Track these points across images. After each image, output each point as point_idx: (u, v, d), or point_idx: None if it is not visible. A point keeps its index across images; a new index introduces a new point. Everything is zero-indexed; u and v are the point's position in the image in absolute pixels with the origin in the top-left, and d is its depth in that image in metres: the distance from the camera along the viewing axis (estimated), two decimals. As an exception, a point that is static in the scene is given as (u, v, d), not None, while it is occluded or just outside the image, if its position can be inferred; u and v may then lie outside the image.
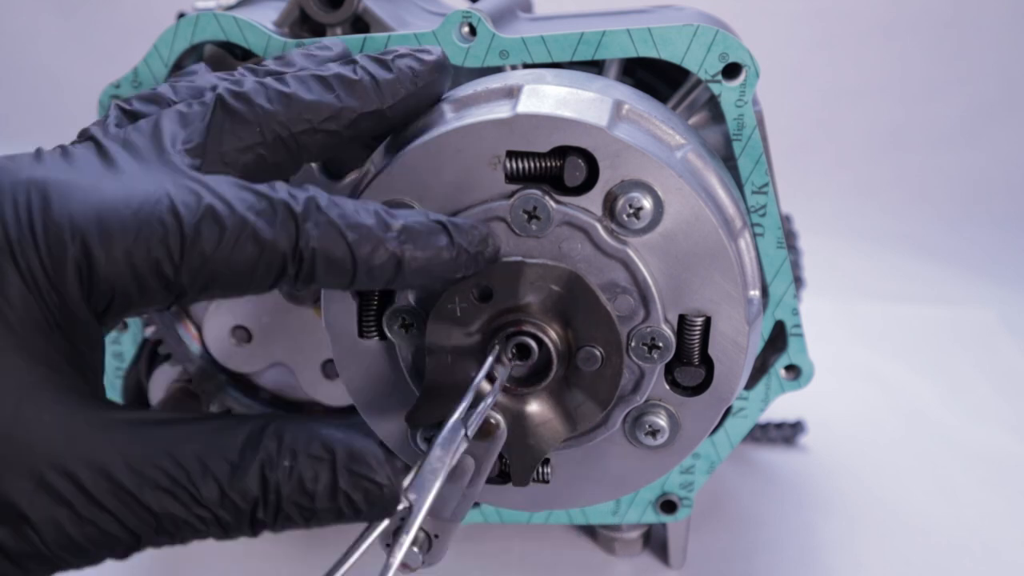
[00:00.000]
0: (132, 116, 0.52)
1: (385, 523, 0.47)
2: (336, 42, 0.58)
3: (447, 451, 0.49)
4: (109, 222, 0.44)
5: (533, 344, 0.54)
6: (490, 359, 0.54)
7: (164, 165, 0.48)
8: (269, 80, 0.53)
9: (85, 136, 0.51)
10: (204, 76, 0.56)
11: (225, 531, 0.47)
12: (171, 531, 0.46)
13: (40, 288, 0.44)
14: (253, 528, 0.47)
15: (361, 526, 0.48)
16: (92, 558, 0.46)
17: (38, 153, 0.48)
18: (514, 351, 0.55)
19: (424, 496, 0.47)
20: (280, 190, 0.48)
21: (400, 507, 0.47)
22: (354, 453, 0.48)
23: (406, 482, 0.47)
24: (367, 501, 0.48)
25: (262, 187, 0.47)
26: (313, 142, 0.53)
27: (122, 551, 0.46)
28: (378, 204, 0.50)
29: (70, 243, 0.44)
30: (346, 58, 0.58)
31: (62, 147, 0.49)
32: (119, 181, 0.46)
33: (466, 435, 0.50)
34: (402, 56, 0.56)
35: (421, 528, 0.48)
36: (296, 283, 0.48)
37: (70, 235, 0.44)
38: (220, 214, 0.45)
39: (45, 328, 0.44)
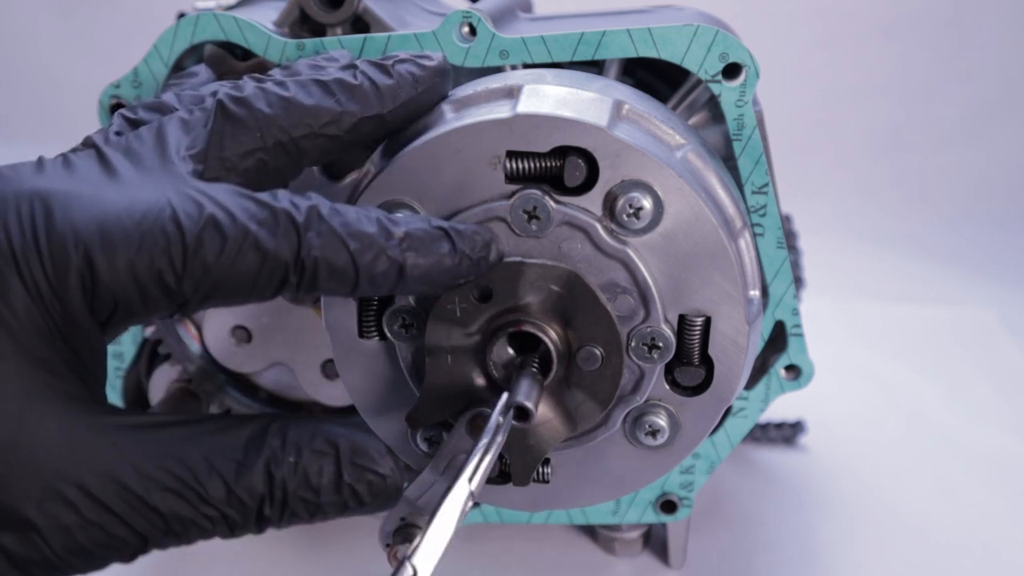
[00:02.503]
0: (135, 124, 0.52)
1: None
2: (343, 53, 0.58)
3: (456, 510, 0.48)
4: (112, 232, 0.44)
5: (538, 376, 0.54)
6: (504, 397, 0.53)
7: (166, 173, 0.48)
8: (269, 85, 0.53)
9: (87, 144, 0.51)
10: (205, 79, 0.56)
11: (232, 529, 0.47)
12: (178, 532, 0.46)
13: (43, 297, 0.44)
14: (259, 525, 0.48)
15: (360, 522, 0.48)
16: (98, 562, 0.46)
17: (40, 162, 0.48)
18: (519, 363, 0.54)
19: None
20: (282, 199, 0.47)
21: None
22: (357, 446, 0.49)
23: (416, 554, 0.46)
24: (371, 492, 0.49)
25: (264, 196, 0.47)
26: (314, 146, 0.53)
27: (129, 554, 0.46)
28: (380, 211, 0.50)
29: (73, 253, 0.44)
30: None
31: (63, 156, 0.49)
32: (121, 190, 0.46)
33: (472, 494, 0.49)
34: (403, 61, 0.56)
35: (419, 528, 0.48)
36: (298, 291, 0.48)
37: (73, 245, 0.44)
38: (222, 224, 0.45)
39: (48, 336, 0.44)
